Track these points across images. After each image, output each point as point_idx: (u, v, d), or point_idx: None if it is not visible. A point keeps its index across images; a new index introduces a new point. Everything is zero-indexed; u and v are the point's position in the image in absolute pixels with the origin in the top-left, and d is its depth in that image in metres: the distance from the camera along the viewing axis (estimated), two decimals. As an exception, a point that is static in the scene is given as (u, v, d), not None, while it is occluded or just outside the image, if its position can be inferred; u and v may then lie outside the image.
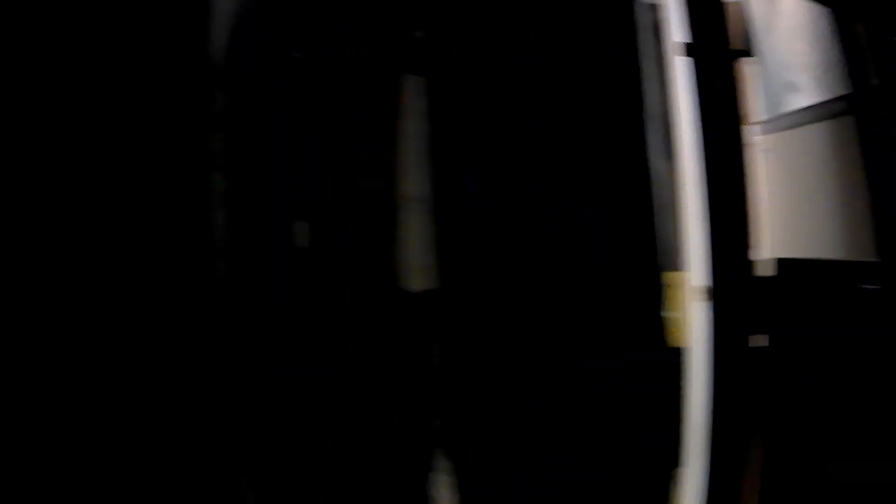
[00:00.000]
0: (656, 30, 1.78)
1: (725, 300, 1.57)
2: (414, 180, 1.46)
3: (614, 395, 1.50)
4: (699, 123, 1.63)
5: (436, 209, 1.59)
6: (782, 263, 1.70)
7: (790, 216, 2.24)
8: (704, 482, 1.53)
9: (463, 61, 1.57)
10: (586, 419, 1.49)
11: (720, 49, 1.67)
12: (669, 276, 1.67)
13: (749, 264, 1.62)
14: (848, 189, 1.87)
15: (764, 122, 2.38)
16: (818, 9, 1.95)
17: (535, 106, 1.58)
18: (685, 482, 1.55)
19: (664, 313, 1.60)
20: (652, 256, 1.60)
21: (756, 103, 2.41)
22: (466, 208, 1.53)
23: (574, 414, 1.48)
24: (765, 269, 1.97)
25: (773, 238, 2.35)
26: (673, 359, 1.51)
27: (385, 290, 1.42)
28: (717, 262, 1.59)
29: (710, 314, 1.56)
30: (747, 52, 1.93)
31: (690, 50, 1.64)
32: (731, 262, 1.61)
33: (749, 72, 2.49)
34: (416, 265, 1.44)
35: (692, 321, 1.59)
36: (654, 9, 1.81)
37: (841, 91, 1.91)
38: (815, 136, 2.04)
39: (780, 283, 1.66)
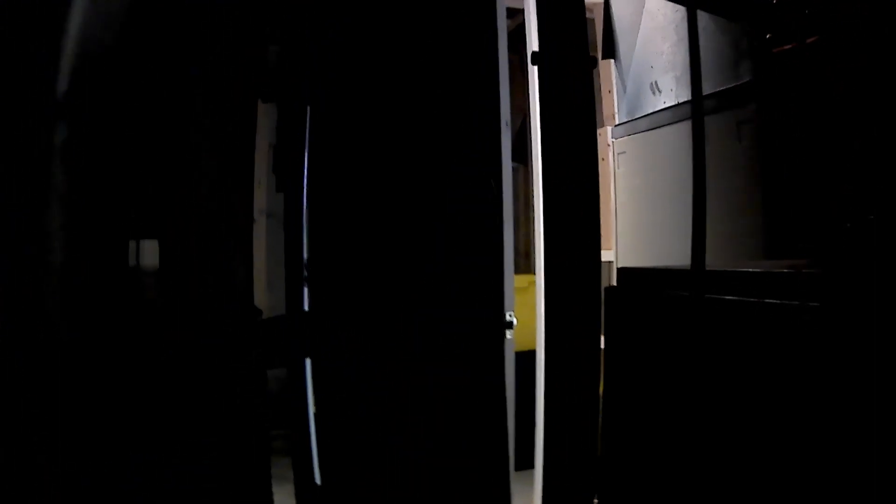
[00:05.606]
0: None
1: (564, 303, 1.61)
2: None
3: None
4: (546, 129, 1.64)
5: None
6: (626, 272, 1.74)
7: (646, 219, 2.27)
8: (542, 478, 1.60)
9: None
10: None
11: (568, 57, 1.67)
12: (519, 279, 1.70)
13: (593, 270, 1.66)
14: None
15: (621, 124, 2.39)
16: (681, 9, 1.96)
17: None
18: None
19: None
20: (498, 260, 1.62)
21: (615, 106, 2.43)
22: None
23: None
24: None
25: (627, 241, 2.36)
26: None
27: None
28: (558, 265, 1.62)
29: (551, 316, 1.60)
30: (596, 60, 1.93)
31: (538, 58, 1.64)
32: (574, 267, 1.64)
33: (606, 75, 2.50)
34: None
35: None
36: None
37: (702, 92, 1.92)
38: (674, 137, 2.07)
39: (623, 292, 1.70)
